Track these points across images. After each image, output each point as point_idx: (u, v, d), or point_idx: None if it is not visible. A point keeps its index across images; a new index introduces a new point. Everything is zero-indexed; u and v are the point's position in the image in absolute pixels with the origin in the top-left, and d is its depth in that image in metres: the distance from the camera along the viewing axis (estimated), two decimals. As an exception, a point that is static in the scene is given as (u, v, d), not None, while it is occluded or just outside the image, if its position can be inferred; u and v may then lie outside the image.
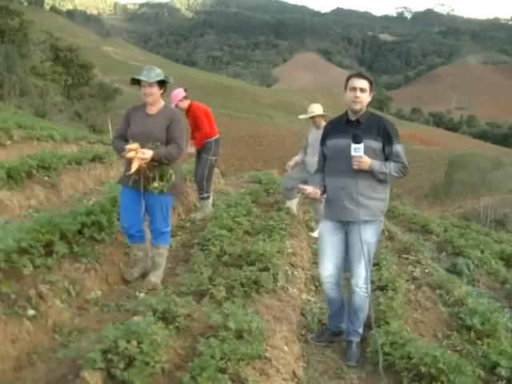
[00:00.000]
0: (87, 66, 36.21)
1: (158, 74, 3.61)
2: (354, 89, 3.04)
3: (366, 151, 2.99)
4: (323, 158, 3.28)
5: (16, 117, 12.01)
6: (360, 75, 3.10)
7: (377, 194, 3.11)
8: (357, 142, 2.96)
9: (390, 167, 3.06)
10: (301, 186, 3.26)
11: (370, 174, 3.03)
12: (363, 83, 3.05)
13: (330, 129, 3.27)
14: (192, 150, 5.95)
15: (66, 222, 3.56)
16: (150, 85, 3.59)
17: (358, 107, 3.06)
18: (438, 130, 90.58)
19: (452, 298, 4.56)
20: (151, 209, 3.74)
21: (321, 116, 5.72)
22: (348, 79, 3.11)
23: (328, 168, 3.22)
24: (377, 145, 3.05)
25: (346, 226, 3.17)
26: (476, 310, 4.09)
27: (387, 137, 3.06)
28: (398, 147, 3.08)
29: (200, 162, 5.94)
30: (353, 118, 3.13)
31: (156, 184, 3.57)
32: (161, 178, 3.60)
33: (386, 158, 3.08)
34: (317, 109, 5.75)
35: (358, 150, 2.97)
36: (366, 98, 3.08)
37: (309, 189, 3.17)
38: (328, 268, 3.25)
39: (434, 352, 2.91)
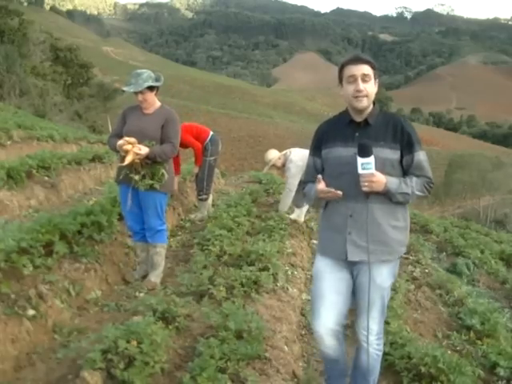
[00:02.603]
0: (87, 66, 36.24)
1: (145, 78, 3.60)
2: (354, 79, 2.20)
3: (380, 165, 2.15)
4: (315, 170, 2.38)
5: (16, 117, 12.01)
6: (358, 59, 2.22)
7: (396, 222, 2.26)
8: (365, 155, 2.11)
9: (413, 184, 2.21)
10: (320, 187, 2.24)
11: (385, 195, 2.20)
12: (365, 68, 2.20)
13: (326, 132, 2.36)
14: (196, 169, 5.89)
15: (65, 221, 3.57)
16: (141, 92, 3.60)
17: (363, 104, 2.21)
18: (437, 130, 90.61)
19: (452, 298, 4.57)
20: (144, 207, 3.75)
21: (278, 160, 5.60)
22: (342, 67, 2.24)
23: (327, 186, 2.30)
24: (393, 155, 2.21)
25: (351, 264, 2.30)
26: (476, 310, 4.09)
27: (407, 142, 2.22)
28: (422, 156, 2.24)
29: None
30: (358, 118, 2.27)
31: (146, 181, 3.58)
32: (152, 177, 3.61)
33: (405, 171, 2.25)
34: (272, 155, 5.63)
35: (367, 167, 2.12)
36: (371, 88, 2.22)
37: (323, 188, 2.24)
38: (326, 321, 2.33)
39: (434, 352, 2.92)
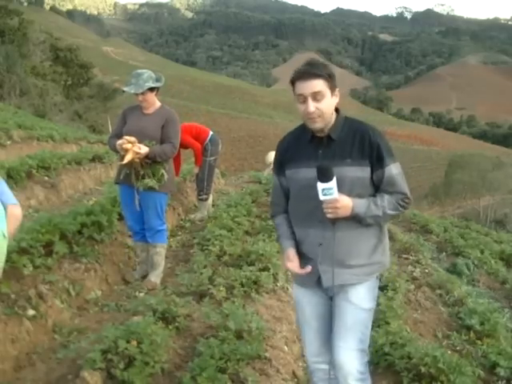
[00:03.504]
0: (87, 66, 36.18)
1: (146, 79, 3.60)
2: (304, 98, 1.91)
3: (349, 185, 1.92)
4: (282, 191, 2.12)
5: (16, 117, 12.01)
6: (307, 74, 1.89)
7: (369, 243, 2.03)
8: (325, 179, 1.86)
9: (384, 204, 1.95)
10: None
11: (355, 218, 1.96)
12: (316, 85, 1.88)
13: (288, 149, 2.09)
14: (196, 170, 5.89)
15: (65, 222, 3.57)
16: (142, 93, 3.60)
17: (317, 125, 1.94)
18: (437, 130, 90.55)
19: (452, 298, 4.57)
20: (144, 207, 3.75)
21: None
22: (292, 83, 1.95)
23: (294, 212, 2.09)
24: (363, 172, 1.94)
25: (326, 289, 2.07)
26: (475, 310, 4.09)
27: (376, 157, 1.93)
28: (393, 169, 1.96)
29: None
30: (320, 133, 1.98)
31: (146, 181, 3.58)
32: (152, 177, 3.61)
33: (376, 187, 2.00)
34: (272, 157, 5.64)
35: (329, 192, 1.87)
36: (326, 106, 1.91)
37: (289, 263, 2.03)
38: (315, 347, 2.16)
39: (434, 352, 2.92)
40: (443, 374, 2.80)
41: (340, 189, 1.88)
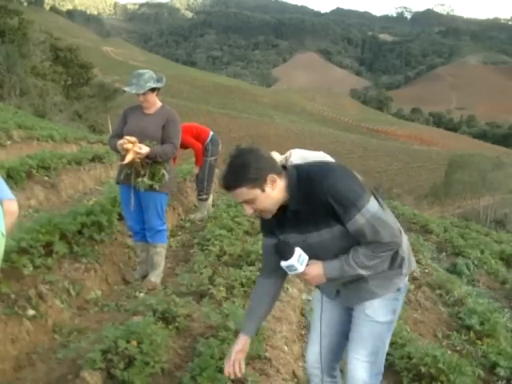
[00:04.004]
0: (87, 66, 36.17)
1: (147, 79, 3.59)
2: (239, 202, 1.89)
3: (331, 246, 1.85)
4: (268, 253, 2.00)
5: (16, 117, 12.01)
6: (228, 187, 1.82)
7: (376, 280, 1.94)
8: (285, 258, 1.83)
9: (359, 260, 1.81)
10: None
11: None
12: (240, 194, 1.80)
13: (265, 220, 1.95)
14: (196, 170, 5.88)
15: (65, 222, 3.57)
16: (143, 93, 3.60)
17: (268, 217, 1.87)
18: (437, 130, 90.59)
19: (452, 298, 4.57)
20: (145, 207, 3.75)
21: None
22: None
23: None
24: (332, 232, 1.81)
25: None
26: (475, 310, 4.10)
27: (333, 213, 1.76)
28: (360, 220, 1.74)
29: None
30: (269, 216, 1.90)
31: (146, 181, 3.58)
32: (152, 177, 3.61)
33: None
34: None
35: (292, 269, 1.85)
36: (263, 203, 1.80)
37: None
38: (315, 352, 2.11)
39: (434, 352, 2.92)
40: (443, 374, 2.80)
41: (326, 252, 1.85)
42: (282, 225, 1.91)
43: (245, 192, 1.78)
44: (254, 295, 2.13)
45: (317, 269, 1.85)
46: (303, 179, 1.82)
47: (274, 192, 1.79)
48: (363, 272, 1.84)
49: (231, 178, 1.77)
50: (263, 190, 1.77)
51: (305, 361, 2.22)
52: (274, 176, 1.78)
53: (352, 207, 1.73)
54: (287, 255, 1.82)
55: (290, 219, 1.87)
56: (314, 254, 1.87)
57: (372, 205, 1.77)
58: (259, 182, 1.76)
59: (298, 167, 1.88)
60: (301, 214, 1.83)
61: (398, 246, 1.88)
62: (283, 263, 1.83)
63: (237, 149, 1.84)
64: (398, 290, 2.01)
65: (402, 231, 1.97)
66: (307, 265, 1.86)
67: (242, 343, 2.01)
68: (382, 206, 1.86)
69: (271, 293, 2.06)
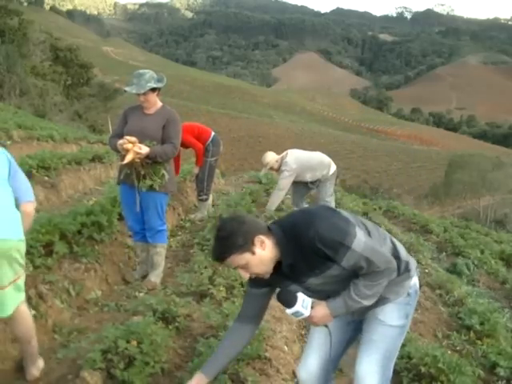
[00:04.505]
0: (87, 66, 36.22)
1: (148, 79, 3.59)
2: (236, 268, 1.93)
3: (335, 287, 1.90)
4: (253, 297, 2.04)
5: (16, 117, 12.02)
6: (218, 259, 1.88)
7: (389, 294, 1.99)
8: (289, 306, 1.87)
9: (360, 292, 1.85)
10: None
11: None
12: (232, 262, 1.84)
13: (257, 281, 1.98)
14: (196, 170, 5.88)
15: (65, 222, 3.57)
16: (143, 93, 3.60)
17: (266, 276, 1.90)
18: (437, 130, 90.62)
19: (452, 298, 4.57)
20: (145, 207, 3.75)
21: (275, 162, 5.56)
22: None
23: None
24: (336, 270, 1.85)
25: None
26: (475, 310, 4.10)
27: (325, 257, 1.81)
28: (351, 257, 1.79)
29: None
30: (268, 275, 1.92)
31: (146, 181, 3.58)
32: (152, 177, 3.61)
33: None
34: (269, 158, 5.67)
35: (298, 314, 1.89)
36: (256, 265, 1.84)
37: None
38: (310, 366, 2.12)
39: (434, 352, 2.92)
40: (443, 374, 2.80)
41: (334, 285, 1.89)
42: (280, 280, 1.93)
43: (236, 259, 1.81)
44: (224, 339, 2.12)
45: (322, 310, 1.90)
46: (289, 233, 1.85)
47: (265, 252, 1.83)
48: (366, 302, 1.88)
49: (220, 250, 1.83)
50: (253, 253, 1.81)
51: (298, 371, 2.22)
52: (261, 237, 1.82)
53: (341, 247, 1.77)
54: (291, 303, 1.85)
55: (287, 273, 1.90)
56: (316, 295, 1.93)
57: (359, 238, 1.80)
58: (247, 246, 1.80)
59: (280, 223, 1.92)
60: (296, 265, 1.86)
61: (394, 271, 1.90)
62: (288, 311, 1.87)
63: (220, 220, 1.96)
64: (409, 294, 2.03)
65: (394, 240, 2.03)
66: (312, 307, 1.90)
67: (196, 381, 2.00)
68: (369, 232, 1.92)
69: (242, 340, 2.08)
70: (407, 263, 2.02)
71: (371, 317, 2.02)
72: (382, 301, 1.98)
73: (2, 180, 2.31)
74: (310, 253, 1.80)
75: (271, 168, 5.65)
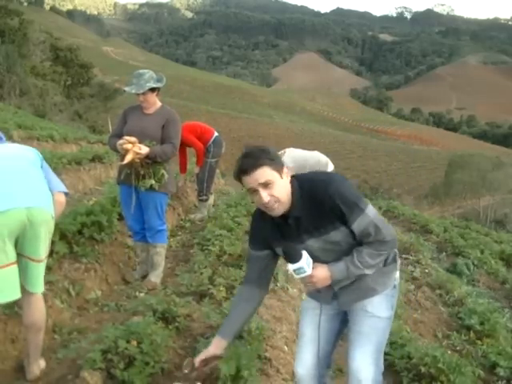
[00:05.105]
0: (87, 66, 36.21)
1: (147, 79, 3.60)
2: (254, 190, 1.80)
3: (334, 250, 1.90)
4: (254, 264, 2.05)
5: (16, 117, 12.02)
6: (247, 168, 1.79)
7: (378, 280, 2.00)
8: (294, 261, 1.84)
9: (363, 259, 1.87)
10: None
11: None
12: (260, 175, 1.77)
13: (263, 228, 1.98)
14: (197, 170, 5.86)
15: (65, 222, 3.57)
16: (142, 93, 3.60)
17: (277, 211, 1.84)
18: (437, 130, 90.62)
19: (452, 298, 4.57)
20: (145, 207, 3.75)
21: None
22: (238, 178, 1.85)
23: None
24: (341, 233, 1.87)
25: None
26: (475, 310, 4.10)
27: (340, 215, 1.82)
28: (362, 222, 1.82)
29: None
30: (285, 212, 1.87)
31: (146, 181, 3.58)
32: (152, 177, 3.61)
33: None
34: None
35: (301, 271, 1.86)
36: (279, 190, 1.79)
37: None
38: (305, 361, 2.10)
39: (434, 352, 2.92)
40: (443, 374, 2.80)
41: (330, 253, 1.89)
42: (282, 235, 1.92)
43: (267, 172, 1.77)
44: (233, 303, 2.14)
45: (323, 271, 1.88)
46: (306, 187, 1.86)
47: (287, 184, 1.83)
48: (367, 271, 1.91)
49: (252, 159, 1.79)
50: (281, 177, 1.80)
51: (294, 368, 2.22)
52: (286, 171, 1.84)
53: (357, 208, 1.81)
54: (296, 258, 1.83)
55: (291, 227, 1.89)
56: (314, 260, 1.90)
57: (371, 207, 1.86)
58: (279, 165, 1.80)
59: (297, 177, 1.91)
60: (302, 220, 1.86)
61: (395, 246, 1.97)
62: (292, 266, 1.84)
63: (247, 146, 1.90)
64: (394, 286, 2.07)
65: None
66: (313, 268, 1.88)
67: (215, 345, 2.01)
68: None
69: (252, 303, 2.08)
70: (395, 254, 2.06)
71: (359, 309, 2.02)
72: (370, 292, 1.99)
73: (36, 166, 2.45)
74: (324, 209, 1.81)
75: None
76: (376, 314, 2.00)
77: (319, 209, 1.82)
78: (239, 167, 1.81)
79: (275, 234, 1.94)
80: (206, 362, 2.00)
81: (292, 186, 1.85)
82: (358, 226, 1.83)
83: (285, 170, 1.83)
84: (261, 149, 1.81)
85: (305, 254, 1.85)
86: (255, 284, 2.05)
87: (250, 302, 2.07)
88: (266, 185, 1.78)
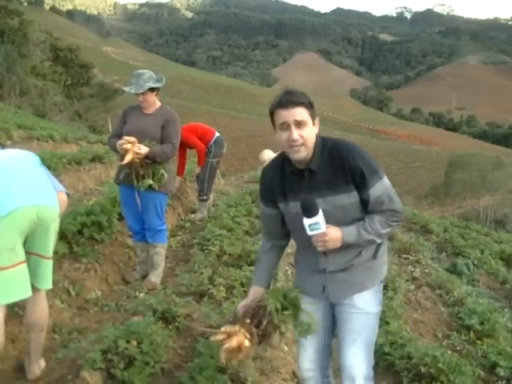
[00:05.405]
0: (87, 66, 36.19)
1: (146, 79, 3.60)
2: (287, 125, 1.84)
3: (340, 212, 1.90)
4: (270, 221, 2.11)
5: (16, 117, 12.02)
6: (288, 102, 1.83)
7: (371, 249, 2.02)
8: (310, 214, 1.83)
9: (375, 226, 1.91)
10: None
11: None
12: (298, 113, 1.83)
13: (272, 183, 2.02)
14: (198, 170, 5.88)
15: (65, 222, 3.56)
16: (142, 93, 3.60)
17: (301, 155, 1.87)
18: (437, 130, 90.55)
19: (452, 298, 4.57)
20: (145, 207, 3.75)
21: None
22: (272, 112, 1.90)
23: (293, 238, 2.13)
24: (351, 198, 1.89)
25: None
26: (475, 310, 4.10)
27: (359, 179, 1.86)
28: (380, 189, 1.88)
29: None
30: (300, 165, 1.92)
31: (146, 181, 3.58)
32: (152, 177, 3.61)
33: (365, 207, 1.94)
34: (267, 155, 5.64)
35: (315, 227, 1.83)
36: (309, 134, 1.86)
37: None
38: (308, 356, 2.13)
39: (434, 352, 2.92)
40: (443, 374, 2.80)
41: (331, 219, 1.87)
42: (291, 190, 1.95)
43: (303, 112, 1.84)
44: (259, 256, 2.21)
45: (336, 231, 1.87)
46: (328, 145, 1.93)
47: (315, 133, 1.90)
48: (376, 239, 1.94)
49: (295, 96, 1.85)
50: (313, 124, 1.88)
51: (299, 365, 2.22)
52: (318, 122, 1.92)
53: (376, 174, 1.88)
54: (314, 212, 1.82)
55: (303, 182, 1.92)
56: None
57: (387, 178, 1.94)
58: (313, 113, 1.88)
59: (321, 136, 1.97)
60: (317, 175, 1.90)
61: (401, 221, 2.04)
62: (308, 221, 1.83)
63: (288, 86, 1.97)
64: (381, 282, 2.10)
65: None
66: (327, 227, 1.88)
67: (253, 293, 2.04)
68: None
69: (273, 250, 2.14)
70: (386, 246, 2.10)
71: (349, 305, 2.01)
72: (359, 286, 2.00)
73: (37, 167, 2.49)
74: (342, 170, 1.87)
75: None
76: (366, 311, 2.01)
77: (337, 168, 1.87)
78: (279, 100, 1.85)
79: (284, 188, 1.97)
80: (247, 307, 1.98)
81: (317, 141, 1.91)
82: (374, 191, 1.88)
83: (317, 120, 1.90)
84: (302, 92, 1.89)
85: (321, 211, 1.84)
86: (273, 237, 2.13)
87: (273, 251, 2.14)
88: (299, 124, 1.83)
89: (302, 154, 1.87)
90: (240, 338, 1.85)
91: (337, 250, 1.91)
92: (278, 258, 2.19)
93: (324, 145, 1.92)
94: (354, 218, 1.92)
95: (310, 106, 1.86)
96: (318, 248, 1.88)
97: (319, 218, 1.83)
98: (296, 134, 1.83)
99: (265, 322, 1.88)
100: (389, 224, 1.94)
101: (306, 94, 1.89)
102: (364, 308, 2.00)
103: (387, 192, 1.91)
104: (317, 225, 1.83)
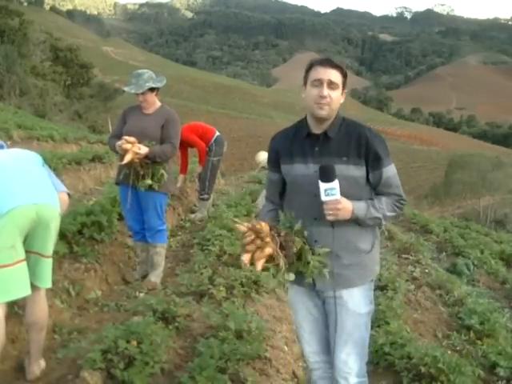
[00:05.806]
0: (87, 66, 36.19)
1: (146, 79, 3.60)
2: (320, 83, 1.91)
3: (345, 184, 1.87)
4: (275, 187, 2.14)
5: (16, 117, 12.03)
6: (328, 62, 1.94)
7: (367, 240, 2.02)
8: (328, 179, 1.84)
9: (383, 206, 1.96)
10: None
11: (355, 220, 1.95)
12: (334, 74, 1.92)
13: (282, 146, 2.07)
14: (199, 169, 5.89)
15: (65, 222, 3.56)
16: (142, 93, 3.60)
17: (324, 112, 1.92)
18: (437, 130, 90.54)
19: (452, 298, 4.57)
20: (144, 207, 3.75)
21: None
22: (309, 68, 1.98)
23: (288, 208, 2.04)
24: (359, 171, 1.93)
25: (321, 291, 2.04)
26: (475, 310, 4.10)
27: (373, 157, 1.93)
28: (390, 171, 1.97)
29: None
30: (317, 129, 1.98)
31: (145, 181, 3.58)
32: (152, 177, 3.61)
33: (372, 188, 1.99)
34: (262, 157, 5.66)
35: (331, 192, 1.84)
36: (336, 97, 1.94)
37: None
38: (312, 348, 2.15)
39: (434, 352, 2.92)
40: (443, 374, 2.80)
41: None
42: (303, 152, 1.99)
43: (338, 77, 1.94)
44: (261, 216, 2.24)
45: (348, 202, 1.89)
46: (349, 121, 2.03)
47: (340, 102, 1.99)
48: (382, 220, 1.99)
49: (338, 63, 1.98)
50: (342, 92, 1.99)
51: (305, 360, 2.22)
52: (345, 94, 2.03)
53: (388, 158, 1.98)
54: (332, 177, 1.84)
55: (318, 145, 1.98)
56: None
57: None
58: (345, 82, 1.99)
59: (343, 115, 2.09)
60: (332, 143, 1.97)
61: (402, 209, 2.09)
62: (325, 185, 1.84)
63: None
64: (372, 280, 2.10)
65: None
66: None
67: (268, 220, 2.04)
68: None
69: (276, 212, 2.13)
70: (378, 241, 2.12)
71: (340, 307, 1.99)
72: (349, 283, 1.99)
73: (39, 167, 2.54)
74: (354, 143, 1.95)
75: (263, 167, 5.67)
76: (357, 311, 2.00)
77: (353, 141, 1.95)
78: (322, 58, 1.98)
79: (292, 152, 2.02)
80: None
81: (338, 113, 2.01)
82: (386, 171, 1.96)
83: (345, 92, 2.01)
84: (343, 65, 2.01)
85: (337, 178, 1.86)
86: (273, 203, 2.18)
87: (274, 212, 2.14)
88: (331, 84, 1.92)
89: (325, 111, 1.93)
90: (272, 248, 1.89)
91: (341, 223, 1.91)
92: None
93: (345, 119, 2.03)
94: (355, 194, 1.93)
95: (345, 76, 1.98)
96: (328, 217, 1.87)
97: (336, 184, 1.84)
98: (326, 91, 1.92)
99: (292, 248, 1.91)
100: (393, 208, 2.00)
101: (345, 69, 2.01)
102: (355, 309, 1.99)
103: (395, 177, 2.01)
104: (333, 190, 1.84)
